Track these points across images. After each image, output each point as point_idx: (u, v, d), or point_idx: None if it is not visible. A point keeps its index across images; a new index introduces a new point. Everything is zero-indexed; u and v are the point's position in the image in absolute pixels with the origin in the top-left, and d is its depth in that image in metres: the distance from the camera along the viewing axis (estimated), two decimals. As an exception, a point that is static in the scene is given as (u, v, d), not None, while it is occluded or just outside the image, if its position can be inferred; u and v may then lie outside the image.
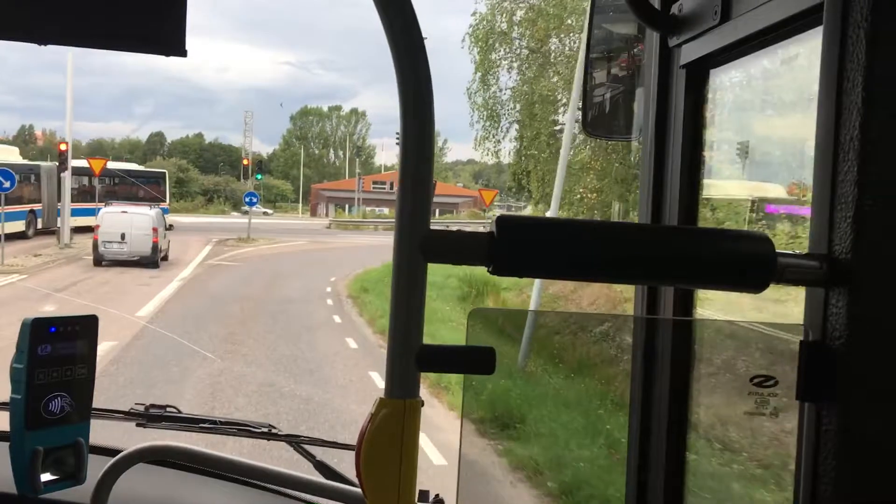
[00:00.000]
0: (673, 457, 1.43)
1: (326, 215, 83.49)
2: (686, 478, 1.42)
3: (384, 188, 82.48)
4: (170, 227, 24.83)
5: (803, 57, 1.24)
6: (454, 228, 0.98)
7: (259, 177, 45.91)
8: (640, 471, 1.52)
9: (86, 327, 1.34)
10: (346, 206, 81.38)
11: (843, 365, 0.97)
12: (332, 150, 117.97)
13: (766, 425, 1.09)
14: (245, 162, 46.81)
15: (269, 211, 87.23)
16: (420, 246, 0.95)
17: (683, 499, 1.43)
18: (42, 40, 1.09)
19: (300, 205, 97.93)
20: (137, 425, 1.95)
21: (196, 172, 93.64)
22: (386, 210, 74.60)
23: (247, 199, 47.01)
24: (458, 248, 0.97)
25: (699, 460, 1.45)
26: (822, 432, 0.99)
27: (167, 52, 1.12)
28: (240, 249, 40.10)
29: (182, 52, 1.11)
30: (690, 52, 1.43)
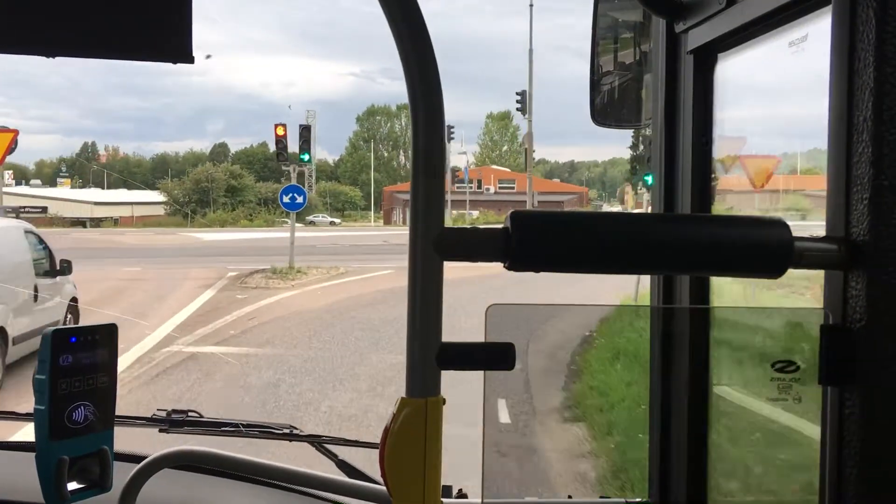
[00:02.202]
0: (695, 444, 1.43)
1: (403, 222, 70.57)
2: (708, 465, 1.42)
3: (466, 188, 73.10)
4: (62, 270, 12.73)
5: (813, 38, 1.23)
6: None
7: (306, 158, 26.27)
8: (662, 459, 1.52)
9: (105, 336, 1.35)
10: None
11: (863, 347, 0.96)
12: (401, 152, 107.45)
13: (790, 410, 1.08)
14: (279, 132, 24.43)
15: (337, 220, 79.55)
16: (435, 244, 0.95)
17: (706, 486, 1.43)
18: (51, 53, 1.10)
19: (371, 212, 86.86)
20: (160, 431, 1.96)
21: (251, 179, 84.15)
22: (476, 213, 67.75)
23: (286, 199, 24.74)
24: (474, 244, 0.97)
25: (721, 447, 1.44)
26: (845, 416, 0.98)
27: (174, 60, 1.12)
28: (266, 298, 19.29)
29: (189, 59, 1.12)
30: (697, 37, 1.42)
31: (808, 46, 1.24)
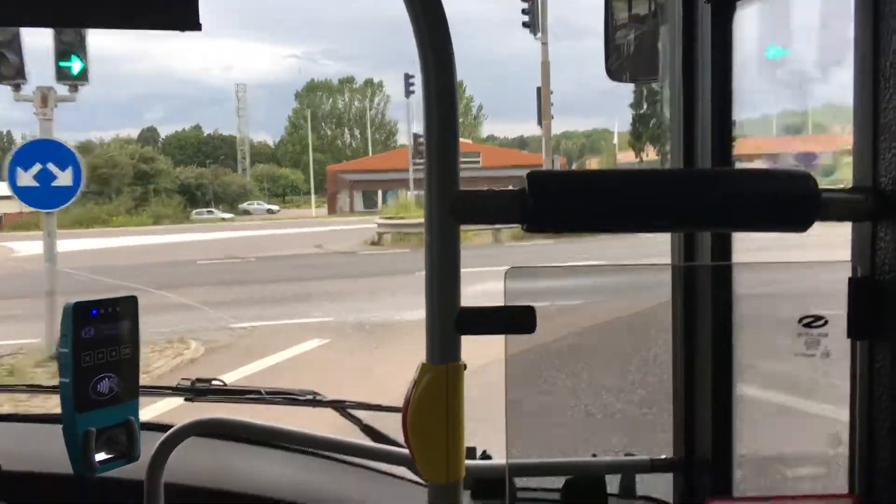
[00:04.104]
0: (719, 400, 1.42)
1: (351, 209, 56.61)
2: (734, 421, 1.41)
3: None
4: None
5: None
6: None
7: (73, 66, 9.78)
8: (686, 416, 1.51)
9: (126, 308, 1.36)
10: (381, 194, 55.35)
11: (893, 299, 0.94)
12: (346, 130, 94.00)
13: (817, 365, 1.07)
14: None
15: (275, 208, 67.61)
16: (451, 208, 0.94)
17: (732, 442, 1.42)
18: (57, 23, 1.09)
19: (312, 196, 70.21)
20: (186, 400, 1.98)
21: (166, 163, 66.76)
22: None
23: (24, 178, 10.01)
24: (491, 207, 0.96)
25: (747, 404, 1.43)
26: (875, 369, 0.97)
27: (182, 28, 1.11)
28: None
29: (196, 26, 1.10)
30: None
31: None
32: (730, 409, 1.42)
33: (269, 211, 65.29)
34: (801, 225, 0.96)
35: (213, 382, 2.00)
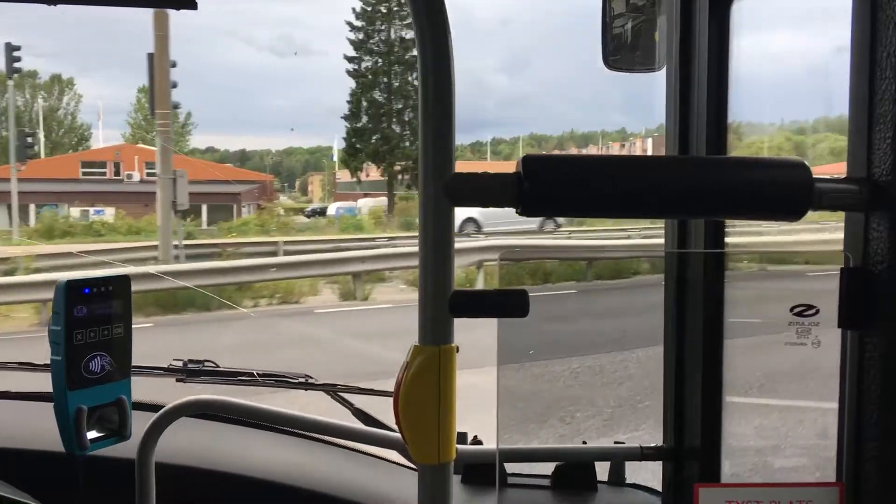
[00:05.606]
0: (709, 389, 1.43)
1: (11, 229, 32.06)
2: (723, 409, 1.42)
3: (99, 174, 47.22)
4: None
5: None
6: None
7: None
8: (676, 404, 1.52)
9: (119, 287, 1.35)
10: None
11: (885, 290, 0.95)
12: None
13: (808, 354, 1.08)
14: None
15: None
16: (445, 189, 0.94)
17: (721, 431, 1.43)
18: (54, 0, 1.08)
19: None
20: (177, 381, 1.98)
21: None
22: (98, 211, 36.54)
23: None
24: (485, 189, 0.96)
25: (737, 392, 1.44)
26: (865, 359, 0.97)
27: (177, 6, 1.10)
28: None
29: (192, 5, 1.09)
30: None
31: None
32: (719, 398, 1.43)
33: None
34: (794, 214, 0.96)
35: (206, 364, 2.00)
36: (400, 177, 42.85)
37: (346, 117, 43.56)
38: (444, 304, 0.94)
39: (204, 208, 38.50)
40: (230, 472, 1.75)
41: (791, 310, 1.03)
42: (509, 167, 0.96)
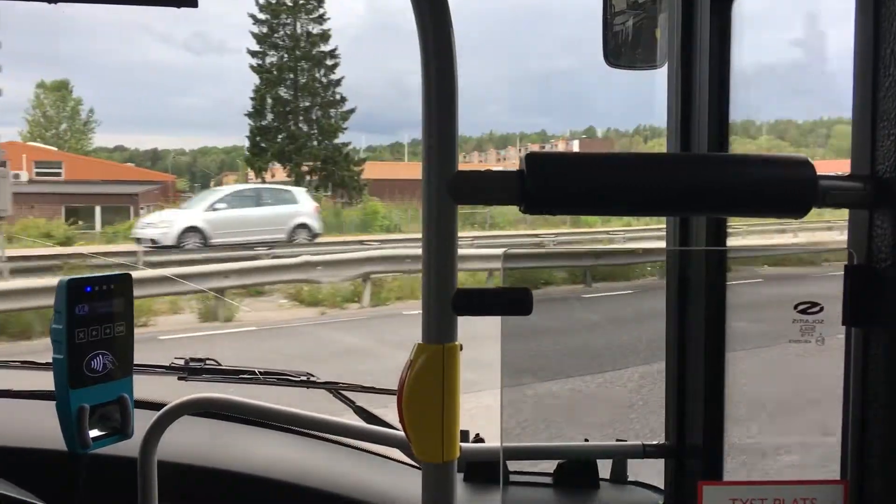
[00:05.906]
0: (712, 387, 1.43)
1: None
2: (726, 407, 1.42)
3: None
4: None
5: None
6: None
7: None
8: (679, 402, 1.52)
9: (121, 285, 1.35)
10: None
11: (889, 287, 0.95)
12: None
13: (812, 352, 1.08)
14: None
15: None
16: (448, 187, 0.93)
17: (723, 429, 1.43)
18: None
19: None
20: (179, 379, 1.98)
21: None
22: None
23: None
24: (488, 187, 0.96)
25: (740, 389, 1.44)
26: (870, 357, 0.97)
27: (178, 4, 1.10)
28: None
29: (193, 3, 1.09)
30: None
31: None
32: (722, 396, 1.43)
33: None
34: (798, 211, 0.96)
35: (207, 362, 2.00)
36: (307, 178, 39.79)
37: (249, 115, 41.06)
38: (447, 303, 0.94)
39: (97, 210, 35.93)
40: (232, 470, 1.75)
41: (795, 307, 1.03)
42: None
